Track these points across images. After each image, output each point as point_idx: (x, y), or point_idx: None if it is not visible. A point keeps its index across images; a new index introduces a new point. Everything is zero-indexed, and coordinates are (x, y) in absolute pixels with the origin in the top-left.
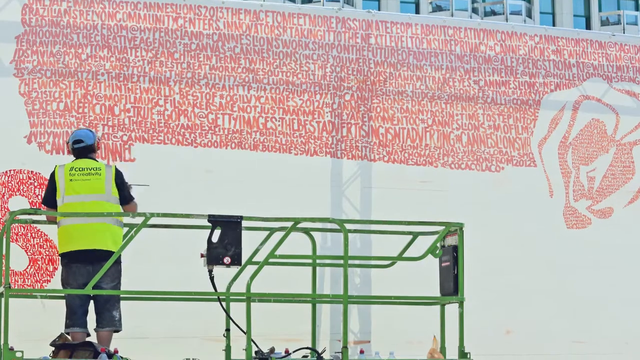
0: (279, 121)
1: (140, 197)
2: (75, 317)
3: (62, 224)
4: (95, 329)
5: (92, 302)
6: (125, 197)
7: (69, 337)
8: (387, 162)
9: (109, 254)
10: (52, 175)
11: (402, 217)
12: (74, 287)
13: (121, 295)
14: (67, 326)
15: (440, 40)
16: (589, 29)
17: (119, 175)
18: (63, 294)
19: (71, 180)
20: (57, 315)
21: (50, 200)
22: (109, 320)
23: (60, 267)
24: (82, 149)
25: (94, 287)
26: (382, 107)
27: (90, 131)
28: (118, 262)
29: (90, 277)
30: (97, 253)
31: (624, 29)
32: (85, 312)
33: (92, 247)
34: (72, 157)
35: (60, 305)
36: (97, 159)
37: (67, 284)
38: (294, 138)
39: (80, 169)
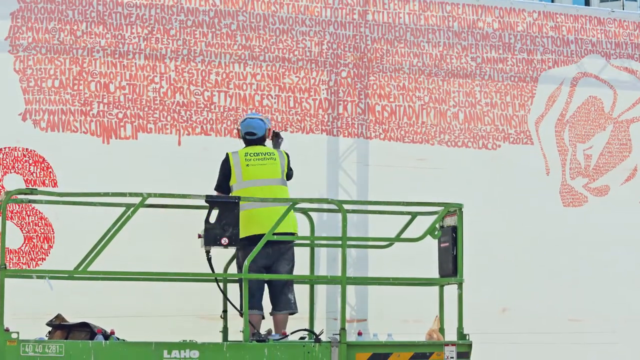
0: (275, 98)
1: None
2: (253, 300)
3: (245, 209)
4: (271, 312)
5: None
6: (290, 175)
7: (65, 317)
8: (384, 139)
9: (290, 236)
10: (226, 161)
11: (399, 194)
12: (253, 270)
13: (117, 276)
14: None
15: (438, 17)
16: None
17: (289, 160)
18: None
19: (247, 165)
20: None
21: (224, 186)
22: (286, 303)
23: (235, 250)
24: (254, 141)
25: (272, 271)
26: (378, 84)
27: (262, 120)
28: (293, 244)
29: (269, 259)
30: (278, 235)
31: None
32: (262, 295)
33: (277, 230)
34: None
35: (55, 285)
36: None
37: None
38: (290, 115)
39: (256, 154)
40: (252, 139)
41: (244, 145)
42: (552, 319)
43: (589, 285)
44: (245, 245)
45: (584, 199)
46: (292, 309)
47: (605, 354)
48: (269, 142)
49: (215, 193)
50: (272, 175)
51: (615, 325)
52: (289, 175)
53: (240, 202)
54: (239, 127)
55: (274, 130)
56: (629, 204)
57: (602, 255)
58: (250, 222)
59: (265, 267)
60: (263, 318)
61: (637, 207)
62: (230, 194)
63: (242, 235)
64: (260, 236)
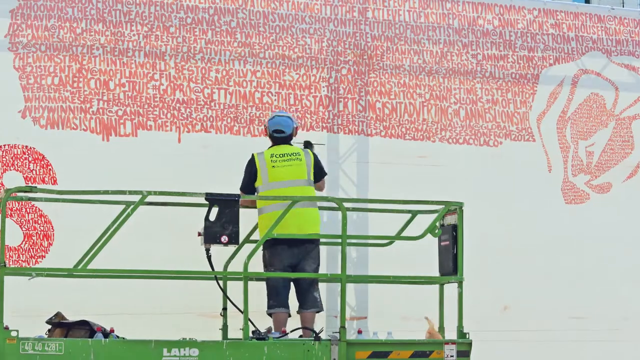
0: (275, 96)
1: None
2: (280, 297)
3: (267, 211)
4: (298, 311)
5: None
6: (321, 175)
7: (65, 315)
8: (384, 137)
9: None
10: (252, 162)
11: (399, 192)
12: (278, 269)
13: (117, 274)
14: (270, 307)
15: (438, 14)
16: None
17: (317, 160)
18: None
19: (273, 167)
20: (51, 292)
21: (250, 187)
22: (312, 302)
23: (261, 250)
24: (282, 139)
25: (298, 270)
26: (379, 81)
27: (289, 118)
28: (318, 244)
29: (294, 258)
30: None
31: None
32: (288, 294)
33: (301, 231)
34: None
35: (55, 283)
36: (291, 143)
37: (271, 266)
38: (290, 113)
39: (281, 155)
40: (279, 136)
41: (271, 144)
42: (554, 316)
43: (591, 282)
44: (271, 245)
45: (586, 196)
46: (319, 307)
47: (606, 352)
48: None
49: (240, 193)
50: (298, 176)
51: (616, 323)
52: (319, 175)
53: (265, 204)
54: (267, 125)
55: (305, 140)
56: (631, 201)
57: (604, 252)
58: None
59: (291, 266)
60: (289, 316)
61: (639, 204)
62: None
63: (267, 236)
64: (285, 237)
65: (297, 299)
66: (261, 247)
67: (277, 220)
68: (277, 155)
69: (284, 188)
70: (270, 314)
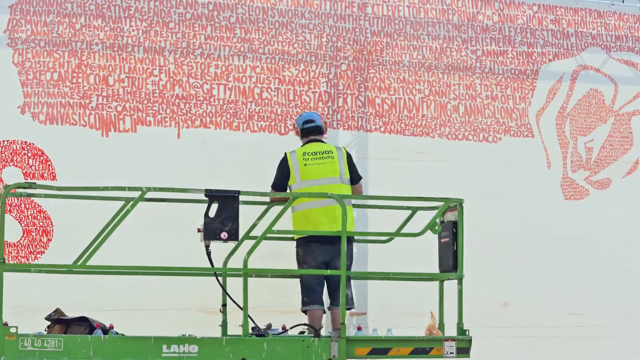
0: (274, 91)
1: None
2: (314, 294)
3: (299, 209)
4: (329, 307)
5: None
6: (354, 178)
7: (64, 312)
8: (384, 132)
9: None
10: (284, 161)
11: (399, 187)
12: (312, 266)
13: (117, 270)
14: (305, 304)
15: (438, 10)
16: None
17: (350, 157)
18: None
19: (305, 165)
20: (50, 289)
21: (282, 185)
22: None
23: (296, 247)
24: (313, 129)
25: (331, 267)
26: (378, 77)
27: (316, 114)
28: (351, 241)
29: (327, 256)
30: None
31: None
32: (322, 291)
33: (335, 228)
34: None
35: (54, 279)
36: (324, 140)
37: (305, 263)
38: (290, 108)
39: (313, 153)
40: (310, 126)
41: (301, 143)
42: (553, 313)
43: (590, 278)
44: (303, 243)
45: (585, 192)
46: (350, 305)
47: (606, 348)
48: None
49: (270, 191)
50: (331, 174)
51: (616, 319)
52: (354, 177)
53: (297, 202)
54: (296, 124)
55: None
56: (631, 196)
57: (604, 248)
58: (307, 221)
59: (324, 263)
60: (324, 312)
61: (638, 200)
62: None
63: (301, 234)
64: (315, 234)
65: (329, 296)
66: (295, 245)
67: (276, 218)
68: (309, 153)
69: (316, 186)
70: (304, 311)
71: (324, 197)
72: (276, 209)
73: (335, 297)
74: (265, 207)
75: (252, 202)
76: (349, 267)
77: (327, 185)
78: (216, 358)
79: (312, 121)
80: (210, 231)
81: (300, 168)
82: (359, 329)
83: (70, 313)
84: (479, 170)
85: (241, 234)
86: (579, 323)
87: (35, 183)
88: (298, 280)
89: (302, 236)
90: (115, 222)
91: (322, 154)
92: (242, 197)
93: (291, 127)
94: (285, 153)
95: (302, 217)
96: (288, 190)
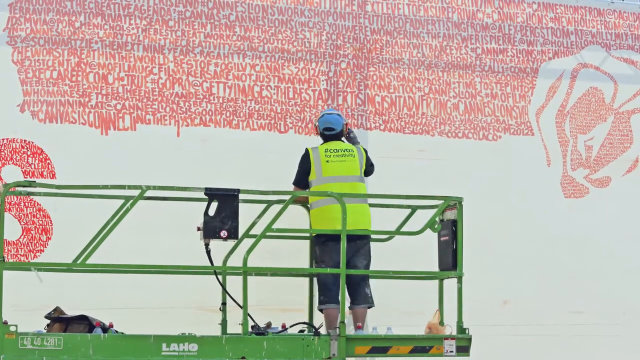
0: (274, 89)
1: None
2: (330, 293)
3: (319, 205)
4: (350, 307)
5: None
6: (369, 173)
7: (64, 310)
8: (384, 130)
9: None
10: (306, 157)
11: (398, 185)
12: (328, 264)
13: (116, 269)
14: (321, 302)
15: (438, 8)
16: None
17: (368, 157)
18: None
19: (327, 161)
20: (50, 287)
21: (303, 181)
22: (364, 298)
23: (313, 245)
24: (332, 136)
25: (349, 266)
26: (378, 75)
27: (339, 115)
28: (370, 240)
29: (346, 254)
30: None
31: None
32: (339, 290)
33: (355, 227)
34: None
35: (54, 277)
36: (343, 140)
37: (322, 262)
38: (290, 106)
39: (335, 150)
40: (330, 134)
41: (322, 142)
42: (553, 311)
43: (590, 277)
44: (322, 241)
45: (585, 190)
46: (370, 303)
47: (606, 347)
48: None
49: (292, 188)
50: (351, 172)
51: (616, 317)
52: (369, 171)
53: (316, 199)
54: (317, 124)
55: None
56: (630, 195)
57: (603, 246)
58: (326, 218)
59: (340, 263)
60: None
61: (638, 198)
62: (310, 190)
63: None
64: (320, 232)
65: (349, 295)
66: (312, 243)
67: (276, 216)
68: (331, 150)
69: (336, 183)
70: (321, 310)
71: (324, 196)
72: (276, 207)
73: (355, 297)
74: (265, 205)
75: (252, 200)
76: (367, 266)
77: (348, 183)
78: (216, 357)
79: (332, 129)
80: (209, 230)
81: (322, 164)
82: (359, 327)
83: (70, 311)
84: (479, 168)
85: (241, 232)
86: (578, 321)
87: (34, 181)
88: (298, 278)
89: (320, 234)
90: (114, 220)
91: (344, 151)
92: (241, 196)
93: (312, 126)
94: (307, 149)
95: (323, 213)
96: (310, 187)
